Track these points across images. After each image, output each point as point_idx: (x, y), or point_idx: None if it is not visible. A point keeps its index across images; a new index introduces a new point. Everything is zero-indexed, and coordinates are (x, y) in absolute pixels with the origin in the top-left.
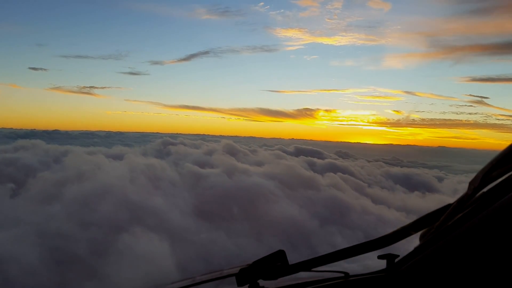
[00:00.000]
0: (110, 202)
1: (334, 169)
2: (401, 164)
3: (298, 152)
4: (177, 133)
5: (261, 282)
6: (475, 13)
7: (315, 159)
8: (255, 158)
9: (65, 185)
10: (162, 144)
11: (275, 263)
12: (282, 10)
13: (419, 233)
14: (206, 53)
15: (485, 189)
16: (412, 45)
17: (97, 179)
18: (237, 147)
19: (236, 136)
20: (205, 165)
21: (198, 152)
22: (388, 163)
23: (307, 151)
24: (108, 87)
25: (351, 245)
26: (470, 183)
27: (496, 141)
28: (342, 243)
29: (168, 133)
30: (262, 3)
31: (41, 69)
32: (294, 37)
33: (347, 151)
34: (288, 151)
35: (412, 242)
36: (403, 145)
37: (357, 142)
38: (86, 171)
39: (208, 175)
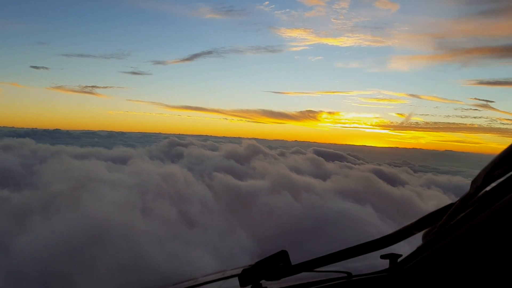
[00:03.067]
0: (105, 262)
1: (388, 179)
2: (414, 168)
3: (323, 156)
4: (179, 134)
5: (263, 283)
6: (484, 15)
7: (351, 165)
8: (290, 163)
9: (27, 217)
10: (169, 145)
11: (277, 264)
12: (287, 10)
13: (421, 233)
14: (209, 53)
15: (487, 188)
16: (419, 47)
17: (85, 208)
18: (263, 149)
19: (238, 138)
20: (241, 175)
21: (217, 155)
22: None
23: (328, 154)
24: (110, 87)
25: (354, 245)
26: (473, 182)
27: (499, 146)
28: None
29: (170, 134)
30: (267, 2)
31: (43, 68)
32: (299, 38)
33: (356, 154)
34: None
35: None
36: (409, 148)
37: (362, 145)
38: (71, 190)
39: (256, 193)
